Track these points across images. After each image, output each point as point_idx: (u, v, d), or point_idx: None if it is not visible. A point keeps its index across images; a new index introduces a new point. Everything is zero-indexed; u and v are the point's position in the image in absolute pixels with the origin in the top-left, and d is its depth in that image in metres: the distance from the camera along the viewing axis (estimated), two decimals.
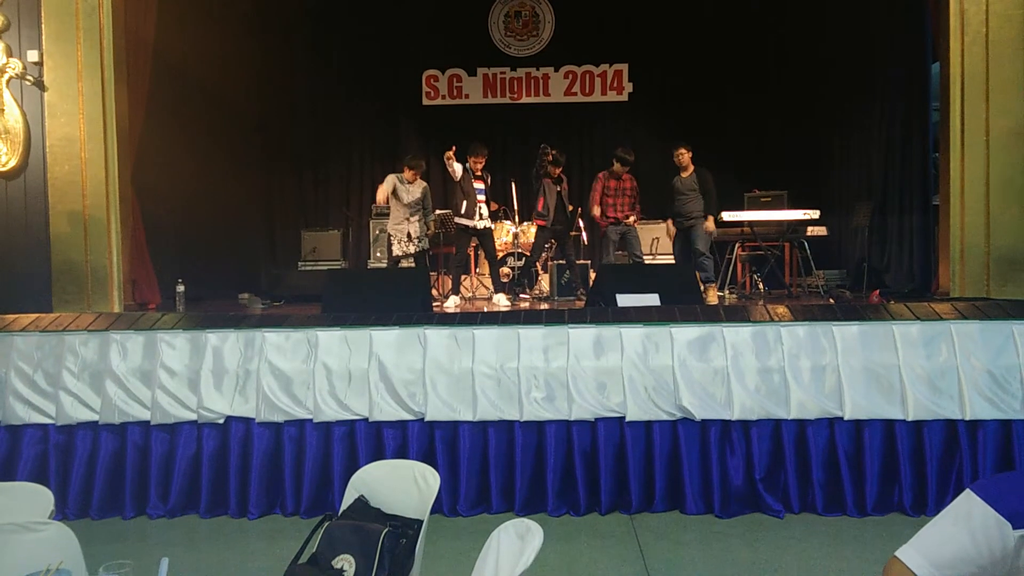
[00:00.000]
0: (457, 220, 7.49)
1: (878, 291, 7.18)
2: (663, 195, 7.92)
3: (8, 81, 6.42)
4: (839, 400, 4.52)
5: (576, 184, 10.48)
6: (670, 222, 7.67)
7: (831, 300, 6.73)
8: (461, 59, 10.66)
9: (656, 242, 9.01)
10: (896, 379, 4.53)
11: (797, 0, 9.44)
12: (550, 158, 7.63)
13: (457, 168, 7.34)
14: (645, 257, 8.40)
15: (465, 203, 7.40)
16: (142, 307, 6.77)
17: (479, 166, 7.52)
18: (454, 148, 7.34)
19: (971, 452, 4.48)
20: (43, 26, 6.30)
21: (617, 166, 7.58)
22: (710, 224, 7.43)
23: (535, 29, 10.69)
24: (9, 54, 6.42)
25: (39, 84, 6.33)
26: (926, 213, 8.10)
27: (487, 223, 7.58)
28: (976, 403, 4.46)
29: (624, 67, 10.57)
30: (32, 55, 6.35)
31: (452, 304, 7.07)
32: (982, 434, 4.49)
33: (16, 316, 5.23)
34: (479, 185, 7.53)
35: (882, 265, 8.55)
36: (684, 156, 7.57)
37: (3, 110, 6.44)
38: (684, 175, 7.58)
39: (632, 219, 7.65)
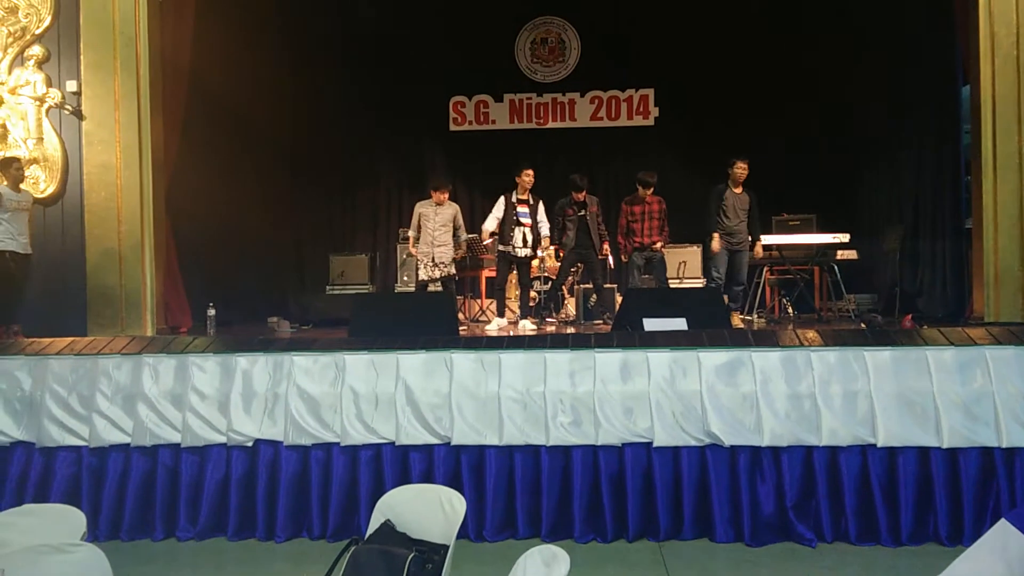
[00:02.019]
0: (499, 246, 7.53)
1: (911, 316, 7.07)
2: (689, 219, 7.89)
3: (48, 110, 6.62)
4: (872, 427, 4.44)
5: (603, 209, 10.51)
6: (717, 237, 7.26)
7: (862, 325, 6.64)
8: (488, 85, 10.77)
9: (683, 266, 8.97)
10: (930, 405, 4.45)
11: (825, 23, 9.42)
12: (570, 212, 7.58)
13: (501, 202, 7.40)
14: (672, 281, 8.36)
15: (503, 227, 7.41)
16: (174, 331, 6.88)
17: (526, 181, 7.40)
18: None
19: (1008, 480, 4.37)
20: (82, 57, 6.50)
21: (640, 190, 7.56)
22: (759, 249, 7.37)
23: (561, 55, 10.78)
24: (49, 84, 6.62)
25: (77, 113, 6.52)
26: (959, 237, 7.99)
27: (527, 251, 7.43)
28: (1013, 430, 4.35)
29: (650, 92, 10.60)
30: (71, 85, 6.55)
31: (495, 327, 7.05)
32: (1020, 462, 4.38)
33: (52, 340, 5.34)
34: (522, 209, 7.40)
35: (914, 289, 8.43)
36: (744, 170, 7.25)
37: (42, 139, 6.63)
38: (737, 191, 7.30)
39: (659, 244, 7.57)
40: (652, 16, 10.20)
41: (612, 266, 8.69)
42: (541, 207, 7.55)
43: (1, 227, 6.06)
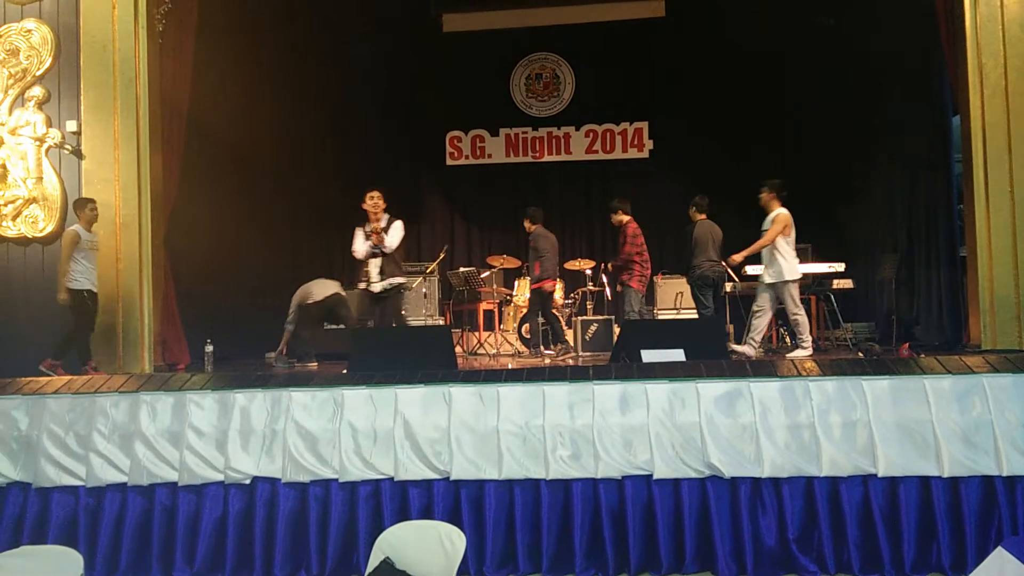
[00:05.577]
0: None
1: (908, 344, 7.08)
2: (684, 250, 7.88)
3: (47, 150, 6.67)
4: (872, 456, 4.43)
5: (598, 239, 10.56)
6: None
7: (860, 354, 6.64)
8: (484, 120, 10.88)
9: (680, 296, 8.97)
10: (930, 434, 4.44)
11: (818, 55, 9.56)
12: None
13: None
14: (668, 312, 8.36)
15: (362, 263, 6.60)
16: (172, 368, 6.87)
17: (368, 206, 6.52)
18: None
19: (1010, 509, 4.35)
20: (82, 97, 6.57)
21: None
22: None
23: (556, 90, 10.91)
24: (49, 124, 6.68)
25: (77, 153, 6.57)
26: (953, 265, 8.03)
27: (383, 284, 6.48)
28: (1013, 458, 4.34)
29: (644, 125, 10.70)
30: (71, 125, 6.61)
31: None
32: (1021, 490, 4.36)
33: (49, 379, 5.33)
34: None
35: (911, 318, 8.44)
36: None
37: (41, 178, 6.68)
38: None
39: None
40: (645, 51, 10.35)
41: (610, 297, 8.69)
42: (395, 227, 6.52)
43: (79, 266, 6.02)
